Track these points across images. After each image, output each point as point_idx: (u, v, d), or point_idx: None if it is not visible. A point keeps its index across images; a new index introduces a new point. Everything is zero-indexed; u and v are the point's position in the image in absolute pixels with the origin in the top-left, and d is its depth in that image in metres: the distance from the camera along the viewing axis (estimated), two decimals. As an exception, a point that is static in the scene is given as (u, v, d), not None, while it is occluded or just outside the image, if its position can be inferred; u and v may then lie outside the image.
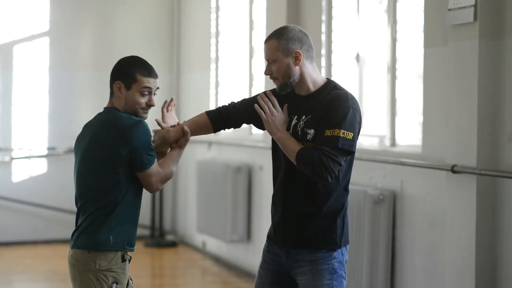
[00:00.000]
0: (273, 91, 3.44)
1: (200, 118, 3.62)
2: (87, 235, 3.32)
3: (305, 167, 3.22)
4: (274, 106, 3.36)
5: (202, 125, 3.61)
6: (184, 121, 3.61)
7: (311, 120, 3.30)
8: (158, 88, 3.43)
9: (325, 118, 3.24)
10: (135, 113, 3.38)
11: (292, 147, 3.27)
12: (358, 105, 3.31)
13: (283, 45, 3.31)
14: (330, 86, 3.35)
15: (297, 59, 3.32)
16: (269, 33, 3.42)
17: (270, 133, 3.36)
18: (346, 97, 3.27)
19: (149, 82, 3.36)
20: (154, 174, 3.36)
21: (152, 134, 3.44)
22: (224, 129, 3.66)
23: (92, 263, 3.28)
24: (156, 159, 3.38)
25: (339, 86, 3.37)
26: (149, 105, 3.39)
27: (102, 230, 3.31)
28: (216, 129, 3.62)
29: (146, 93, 3.36)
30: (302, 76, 3.34)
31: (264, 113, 3.34)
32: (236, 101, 3.63)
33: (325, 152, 3.18)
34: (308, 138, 3.29)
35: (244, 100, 3.62)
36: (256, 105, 3.38)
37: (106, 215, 3.31)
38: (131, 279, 3.48)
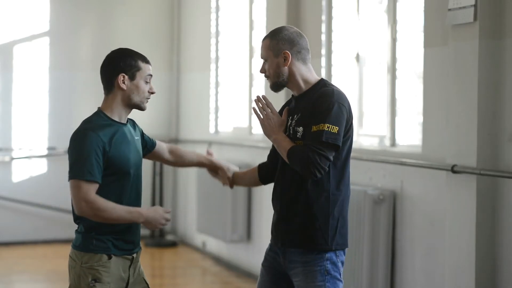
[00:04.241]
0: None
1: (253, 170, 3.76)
2: (76, 234, 3.36)
3: (294, 164, 3.26)
4: (270, 109, 3.40)
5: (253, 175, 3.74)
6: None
7: (300, 119, 3.34)
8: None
9: (312, 115, 3.27)
10: (140, 103, 3.37)
11: (285, 146, 3.31)
12: (345, 100, 3.31)
13: (274, 45, 3.37)
14: (320, 85, 3.38)
15: (285, 59, 3.35)
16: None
17: (266, 135, 3.41)
18: (331, 93, 3.28)
19: (149, 69, 3.40)
20: (76, 187, 3.23)
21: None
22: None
23: (77, 260, 3.31)
24: (92, 183, 3.23)
25: (329, 83, 3.40)
26: (151, 92, 3.39)
27: (86, 232, 3.32)
28: (264, 179, 3.68)
29: (149, 80, 3.39)
30: (292, 76, 3.38)
31: (261, 115, 3.40)
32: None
33: (311, 147, 3.20)
34: (298, 136, 3.33)
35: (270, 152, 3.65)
36: (253, 107, 3.43)
37: (85, 218, 3.30)
38: (146, 282, 3.46)
